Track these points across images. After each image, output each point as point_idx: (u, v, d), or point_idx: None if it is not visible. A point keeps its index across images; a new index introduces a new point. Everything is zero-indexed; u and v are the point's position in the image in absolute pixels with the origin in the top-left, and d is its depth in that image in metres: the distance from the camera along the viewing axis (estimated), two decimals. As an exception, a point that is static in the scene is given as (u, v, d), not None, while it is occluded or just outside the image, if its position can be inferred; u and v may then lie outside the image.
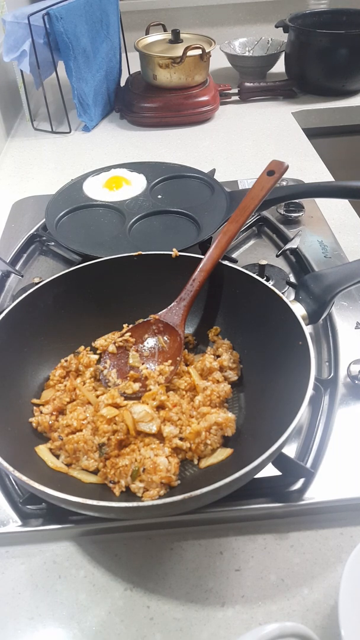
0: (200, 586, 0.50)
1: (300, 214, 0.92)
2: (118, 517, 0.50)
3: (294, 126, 1.30)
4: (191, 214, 0.87)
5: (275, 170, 0.74)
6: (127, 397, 0.60)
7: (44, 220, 0.94)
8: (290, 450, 0.58)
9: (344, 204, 0.98)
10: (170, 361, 0.63)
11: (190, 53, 1.24)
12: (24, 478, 0.45)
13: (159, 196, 0.93)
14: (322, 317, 0.61)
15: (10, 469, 0.45)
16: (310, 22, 1.46)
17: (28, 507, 0.54)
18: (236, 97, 1.41)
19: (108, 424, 0.55)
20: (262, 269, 0.78)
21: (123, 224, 0.86)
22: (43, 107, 1.32)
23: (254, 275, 0.63)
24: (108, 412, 0.56)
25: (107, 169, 0.99)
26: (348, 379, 0.64)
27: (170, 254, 0.68)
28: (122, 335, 0.66)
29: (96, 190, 0.94)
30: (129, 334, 0.65)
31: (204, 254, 0.66)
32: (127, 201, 0.91)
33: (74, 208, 0.90)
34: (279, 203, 0.90)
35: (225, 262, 0.66)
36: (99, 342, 0.66)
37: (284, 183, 0.97)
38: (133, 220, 0.87)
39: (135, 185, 0.95)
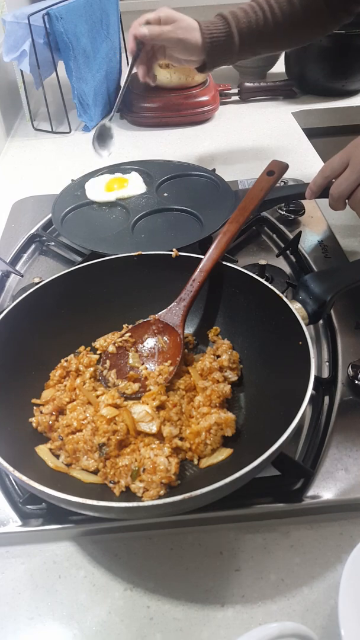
0: (200, 586, 0.50)
1: (300, 214, 0.92)
2: (118, 517, 0.50)
3: (294, 126, 1.30)
4: (194, 212, 0.87)
5: (275, 170, 0.74)
6: (127, 397, 0.60)
7: (44, 220, 0.95)
8: (290, 450, 0.58)
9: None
10: (170, 361, 0.63)
11: (190, 53, 1.23)
12: (24, 478, 0.45)
13: (165, 194, 0.94)
14: (322, 317, 0.61)
15: (10, 469, 0.45)
16: (310, 22, 1.46)
17: (28, 507, 0.54)
18: (236, 97, 1.41)
19: (108, 424, 0.55)
20: (262, 269, 0.78)
21: (127, 220, 0.87)
22: (43, 107, 1.32)
23: (254, 276, 0.63)
24: (108, 412, 0.56)
25: (115, 168, 1.01)
26: (348, 379, 0.64)
27: (170, 254, 0.68)
28: (122, 335, 0.66)
29: (101, 188, 0.94)
30: (128, 334, 0.66)
31: (204, 254, 0.66)
32: (133, 198, 0.92)
33: (80, 204, 0.92)
34: (279, 203, 0.90)
35: (225, 262, 0.66)
36: (99, 342, 0.67)
37: (284, 183, 0.97)
38: (137, 217, 0.87)
39: (138, 184, 0.95)
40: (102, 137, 1.01)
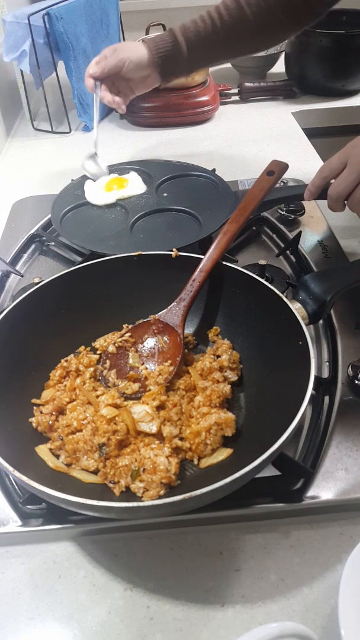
0: (200, 586, 0.50)
1: (300, 214, 0.92)
2: (118, 517, 0.50)
3: (294, 126, 1.30)
4: (193, 212, 0.87)
5: (275, 170, 0.74)
6: (127, 397, 0.60)
7: (44, 220, 0.95)
8: (290, 450, 0.58)
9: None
10: (170, 361, 0.63)
11: (190, 53, 1.23)
12: (24, 478, 0.45)
13: (165, 194, 0.94)
14: (322, 317, 0.61)
15: (10, 469, 0.45)
16: (310, 22, 1.45)
17: (28, 507, 0.54)
18: (236, 97, 1.41)
19: (108, 424, 0.55)
20: (262, 269, 0.77)
21: (126, 220, 0.87)
22: (43, 107, 1.32)
23: (254, 276, 0.63)
24: (108, 412, 0.56)
25: (114, 168, 1.00)
26: (348, 379, 0.64)
27: (170, 254, 0.68)
28: (122, 335, 0.66)
29: (101, 189, 0.94)
30: (128, 334, 0.66)
31: (204, 254, 0.66)
32: (132, 198, 0.92)
33: (79, 204, 0.92)
34: (279, 204, 0.90)
35: (225, 262, 0.66)
36: (99, 342, 0.67)
37: (284, 183, 0.97)
38: (136, 217, 0.87)
39: (137, 184, 0.95)
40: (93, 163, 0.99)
